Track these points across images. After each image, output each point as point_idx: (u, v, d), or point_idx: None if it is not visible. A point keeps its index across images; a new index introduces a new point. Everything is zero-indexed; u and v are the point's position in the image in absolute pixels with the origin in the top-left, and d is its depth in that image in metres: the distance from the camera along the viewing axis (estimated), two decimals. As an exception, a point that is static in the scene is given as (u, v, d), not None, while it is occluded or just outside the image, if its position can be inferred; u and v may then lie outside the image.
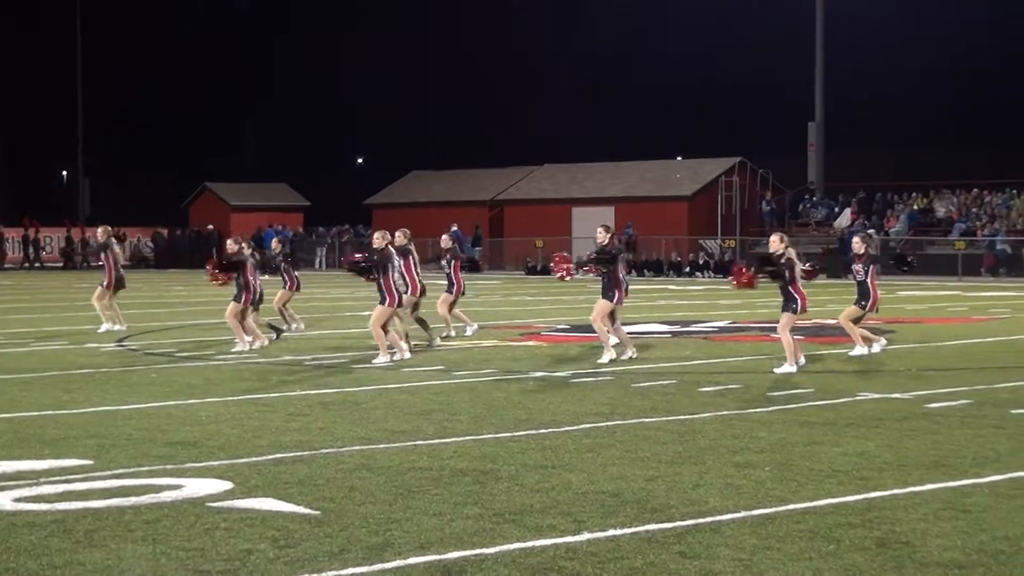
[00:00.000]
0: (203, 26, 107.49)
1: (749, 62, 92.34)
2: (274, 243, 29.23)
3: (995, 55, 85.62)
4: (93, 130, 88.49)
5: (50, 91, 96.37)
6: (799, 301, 19.83)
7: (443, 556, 8.92)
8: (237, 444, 13.42)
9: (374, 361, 21.13)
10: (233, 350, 23.18)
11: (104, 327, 27.55)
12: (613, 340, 21.57)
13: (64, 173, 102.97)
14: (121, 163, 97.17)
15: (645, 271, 61.05)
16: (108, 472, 11.93)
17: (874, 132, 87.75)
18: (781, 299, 20.15)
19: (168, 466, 12.22)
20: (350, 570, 8.61)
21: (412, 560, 8.83)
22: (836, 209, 64.32)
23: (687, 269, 61.01)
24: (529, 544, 9.24)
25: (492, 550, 9.07)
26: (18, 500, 10.73)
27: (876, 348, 21.98)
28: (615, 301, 21.34)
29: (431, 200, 72.53)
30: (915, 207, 61.99)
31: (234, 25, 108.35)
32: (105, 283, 28.26)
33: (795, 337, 20.19)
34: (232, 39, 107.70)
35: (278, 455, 12.73)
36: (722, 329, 28.21)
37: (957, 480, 11.42)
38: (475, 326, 25.91)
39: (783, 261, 19.83)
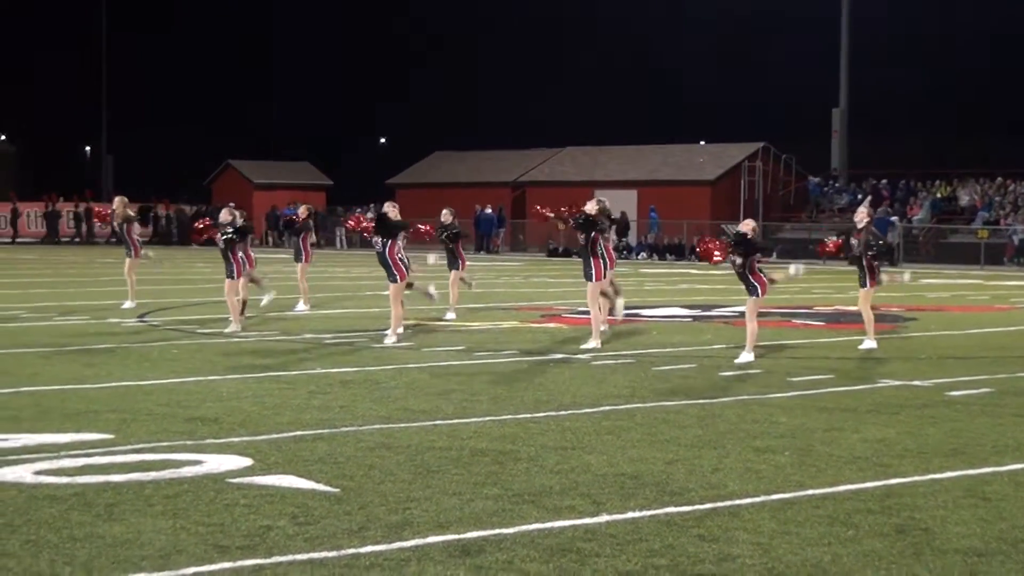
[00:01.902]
0: (230, 4, 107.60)
1: (774, 47, 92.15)
2: (301, 210, 29.03)
3: (1021, 43, 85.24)
4: (117, 105, 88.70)
5: (75, 67, 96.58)
6: (759, 287, 19.53)
7: (462, 536, 8.93)
8: (257, 421, 13.44)
9: (385, 341, 21.11)
10: (227, 330, 22.80)
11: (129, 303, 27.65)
12: (603, 327, 21.51)
13: (88, 149, 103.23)
14: (145, 140, 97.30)
15: (667, 255, 61.03)
16: (129, 446, 11.97)
17: (898, 119, 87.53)
18: (743, 286, 19.80)
19: (188, 441, 12.25)
20: (369, 548, 8.62)
21: (431, 539, 8.84)
22: (859, 196, 64.16)
23: (709, 254, 60.83)
24: (548, 525, 9.24)
25: (511, 530, 9.08)
26: (39, 473, 10.77)
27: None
28: (595, 279, 20.97)
29: (454, 181, 72.47)
30: (938, 195, 61.77)
31: (261, 4, 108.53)
32: (133, 254, 28.41)
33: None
34: (258, 18, 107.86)
35: (298, 432, 12.75)
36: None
37: (977, 468, 11.40)
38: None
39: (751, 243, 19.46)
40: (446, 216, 26.31)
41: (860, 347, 21.02)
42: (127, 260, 28.49)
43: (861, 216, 21.74)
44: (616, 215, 21.62)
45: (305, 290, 27.70)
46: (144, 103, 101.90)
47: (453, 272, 25.89)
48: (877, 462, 11.59)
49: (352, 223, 22.51)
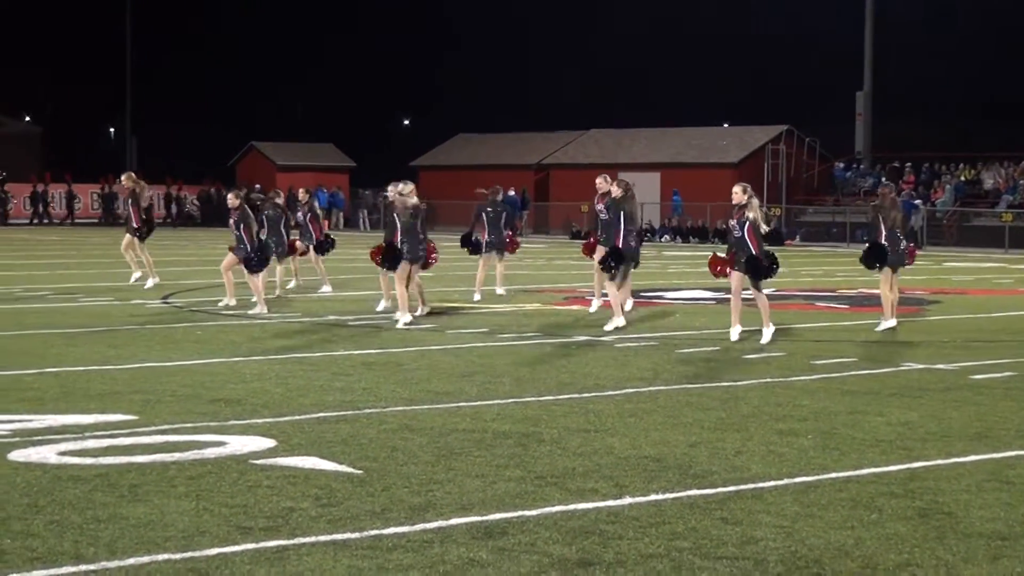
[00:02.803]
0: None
1: (798, 29, 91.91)
2: (301, 193, 29.01)
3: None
4: (142, 87, 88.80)
5: (99, 48, 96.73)
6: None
7: (485, 517, 8.94)
8: (281, 402, 13.47)
9: (398, 324, 21.05)
10: (250, 311, 22.90)
11: (138, 277, 27.80)
12: (628, 305, 21.53)
13: (112, 130, 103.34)
14: (169, 121, 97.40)
15: (690, 237, 60.97)
16: (152, 428, 12.01)
17: (922, 102, 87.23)
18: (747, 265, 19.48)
19: (212, 423, 12.28)
20: (392, 529, 8.64)
21: (454, 521, 8.85)
22: (883, 179, 63.96)
23: (732, 236, 60.79)
24: (571, 507, 9.25)
25: (534, 512, 9.09)
26: (63, 454, 10.80)
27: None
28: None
29: (477, 163, 72.37)
30: (962, 178, 61.54)
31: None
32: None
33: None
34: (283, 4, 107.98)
35: (321, 414, 12.77)
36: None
37: (1001, 452, 11.38)
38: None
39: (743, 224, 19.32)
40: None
41: (876, 329, 20.90)
42: (126, 236, 28.31)
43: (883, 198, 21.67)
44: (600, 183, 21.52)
45: (323, 271, 27.71)
46: (168, 84, 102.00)
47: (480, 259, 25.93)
48: (900, 445, 11.57)
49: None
